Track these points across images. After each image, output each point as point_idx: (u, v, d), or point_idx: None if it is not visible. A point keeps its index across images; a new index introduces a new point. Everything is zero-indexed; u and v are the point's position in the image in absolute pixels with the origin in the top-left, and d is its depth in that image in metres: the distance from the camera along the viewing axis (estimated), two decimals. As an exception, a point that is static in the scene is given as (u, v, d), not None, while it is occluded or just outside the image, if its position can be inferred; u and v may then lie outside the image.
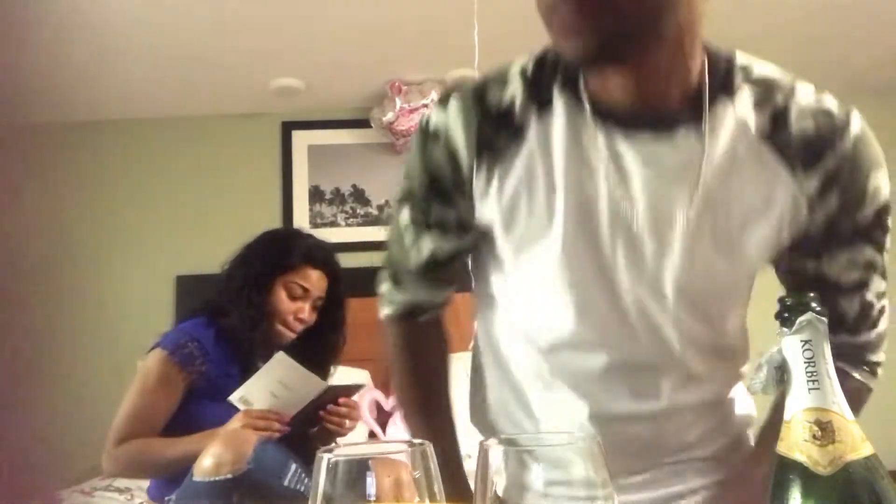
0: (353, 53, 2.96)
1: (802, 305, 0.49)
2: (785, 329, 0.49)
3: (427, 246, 0.89)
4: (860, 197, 0.75)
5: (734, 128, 0.75)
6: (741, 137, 0.75)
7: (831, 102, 0.77)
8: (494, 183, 0.81)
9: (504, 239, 0.84)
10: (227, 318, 1.60)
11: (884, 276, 0.81)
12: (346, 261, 1.85)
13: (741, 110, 0.75)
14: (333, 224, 3.37)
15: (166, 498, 1.50)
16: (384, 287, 0.96)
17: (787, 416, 0.49)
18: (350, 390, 1.66)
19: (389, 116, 3.20)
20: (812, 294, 0.50)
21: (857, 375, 0.82)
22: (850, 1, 2.72)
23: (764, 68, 0.78)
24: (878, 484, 0.46)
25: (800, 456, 0.47)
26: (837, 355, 0.73)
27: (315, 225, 3.34)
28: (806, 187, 0.74)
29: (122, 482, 2.18)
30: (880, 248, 0.79)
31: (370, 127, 3.33)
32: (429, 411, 0.97)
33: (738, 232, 0.76)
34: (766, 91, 0.76)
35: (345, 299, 1.75)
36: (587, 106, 0.77)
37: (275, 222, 3.33)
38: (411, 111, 3.18)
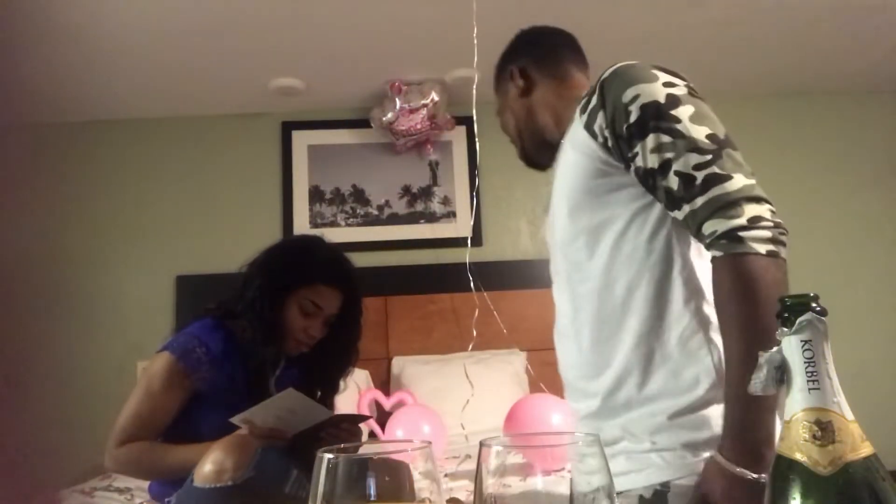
0: (353, 53, 2.96)
1: (802, 305, 0.49)
2: (785, 329, 0.49)
3: None
4: (619, 107, 0.96)
5: (576, 121, 1.07)
6: (575, 126, 1.06)
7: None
8: None
9: None
10: (237, 320, 1.59)
11: (697, 151, 0.91)
12: (346, 261, 1.84)
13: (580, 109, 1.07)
14: (333, 224, 3.36)
15: (166, 500, 1.50)
16: None
17: (787, 415, 0.49)
18: (355, 419, 1.66)
19: (389, 116, 3.20)
20: (812, 294, 0.50)
21: (718, 252, 0.89)
22: (850, 3, 2.72)
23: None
24: (877, 484, 0.46)
25: (800, 456, 0.47)
26: (697, 235, 0.95)
27: (315, 225, 3.34)
28: (583, 122, 1.02)
29: (122, 482, 2.18)
30: (666, 131, 0.93)
31: (370, 127, 3.33)
32: None
33: (565, 183, 1.08)
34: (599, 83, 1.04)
35: (360, 318, 1.70)
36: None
37: (275, 222, 3.33)
38: (411, 111, 3.18)
